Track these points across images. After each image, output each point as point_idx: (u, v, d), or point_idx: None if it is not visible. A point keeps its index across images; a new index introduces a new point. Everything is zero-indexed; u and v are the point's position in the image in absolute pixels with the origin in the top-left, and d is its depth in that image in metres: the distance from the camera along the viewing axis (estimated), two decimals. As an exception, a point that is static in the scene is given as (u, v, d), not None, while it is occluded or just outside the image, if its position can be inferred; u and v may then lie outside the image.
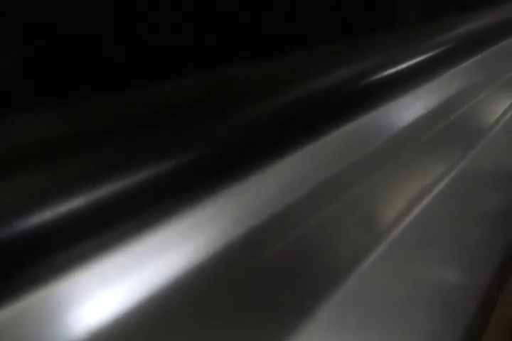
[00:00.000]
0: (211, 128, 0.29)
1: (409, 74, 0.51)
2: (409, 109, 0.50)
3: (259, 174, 0.31)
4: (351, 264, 0.34)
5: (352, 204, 0.39)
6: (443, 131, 0.54)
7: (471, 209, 0.56)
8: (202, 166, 0.28)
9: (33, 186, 0.21)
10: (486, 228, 0.60)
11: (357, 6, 0.47)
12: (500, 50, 0.77)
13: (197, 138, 0.28)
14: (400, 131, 0.48)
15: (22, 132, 0.22)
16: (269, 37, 0.37)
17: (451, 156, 0.52)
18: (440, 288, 0.46)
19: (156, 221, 0.25)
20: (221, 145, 0.30)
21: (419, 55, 0.55)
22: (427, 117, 0.52)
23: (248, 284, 0.29)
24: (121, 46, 0.26)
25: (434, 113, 0.54)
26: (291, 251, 0.32)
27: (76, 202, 0.22)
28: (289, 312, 0.29)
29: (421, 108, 0.52)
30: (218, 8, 0.31)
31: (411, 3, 0.58)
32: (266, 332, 0.27)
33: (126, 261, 0.24)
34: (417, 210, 0.43)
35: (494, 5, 0.82)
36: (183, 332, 0.24)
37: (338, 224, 0.37)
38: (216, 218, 0.29)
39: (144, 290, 0.24)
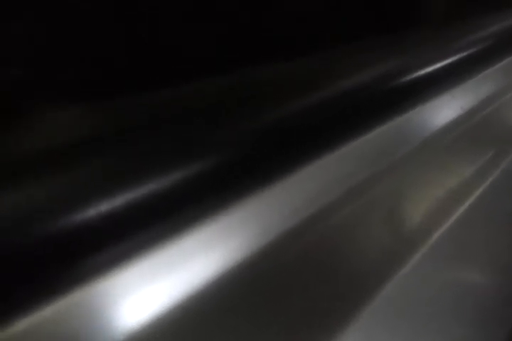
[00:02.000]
0: (237, 133, 0.29)
1: (443, 74, 0.50)
2: (445, 109, 0.49)
3: (286, 180, 0.31)
4: (384, 272, 0.33)
5: (384, 210, 0.39)
6: (479, 131, 0.53)
7: (507, 215, 0.55)
8: (229, 171, 0.28)
9: (77, 185, 0.21)
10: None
11: (390, 4, 0.46)
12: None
13: (221, 145, 0.28)
14: (435, 131, 0.47)
15: (52, 135, 0.22)
16: (291, 37, 0.36)
17: (487, 158, 0.51)
18: (476, 296, 0.45)
19: (190, 224, 0.25)
20: (251, 149, 0.30)
21: (452, 55, 0.54)
22: (462, 117, 0.51)
23: (279, 289, 0.28)
24: (131, 50, 0.26)
25: (470, 113, 0.53)
26: (321, 258, 0.32)
27: (116, 202, 0.22)
28: (320, 320, 0.28)
29: (457, 108, 0.51)
30: (229, 12, 0.31)
31: (446, 1, 0.57)
32: (296, 338, 0.27)
33: (163, 263, 0.24)
34: (452, 215, 0.42)
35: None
36: (218, 333, 0.25)
37: (370, 232, 0.37)
38: (245, 223, 0.29)
39: (180, 291, 0.24)
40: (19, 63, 0.22)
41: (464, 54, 0.54)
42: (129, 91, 0.26)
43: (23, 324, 0.18)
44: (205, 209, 0.26)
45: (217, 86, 0.30)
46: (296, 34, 0.37)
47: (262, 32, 0.34)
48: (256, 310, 0.27)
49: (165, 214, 0.24)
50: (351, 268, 0.33)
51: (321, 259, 0.32)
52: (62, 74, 0.23)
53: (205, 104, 0.28)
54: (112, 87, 0.25)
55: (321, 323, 0.28)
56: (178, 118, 0.27)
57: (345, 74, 0.39)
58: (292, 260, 0.30)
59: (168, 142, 0.25)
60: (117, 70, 0.26)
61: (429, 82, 0.47)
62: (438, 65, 0.49)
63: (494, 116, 0.58)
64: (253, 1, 0.33)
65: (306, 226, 0.31)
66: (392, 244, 0.37)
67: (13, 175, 0.19)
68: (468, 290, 0.44)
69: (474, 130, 0.52)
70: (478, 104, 0.54)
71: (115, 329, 0.21)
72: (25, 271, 0.19)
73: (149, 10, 0.27)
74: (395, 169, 0.40)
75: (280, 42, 0.35)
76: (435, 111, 0.47)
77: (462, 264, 0.44)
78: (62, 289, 0.20)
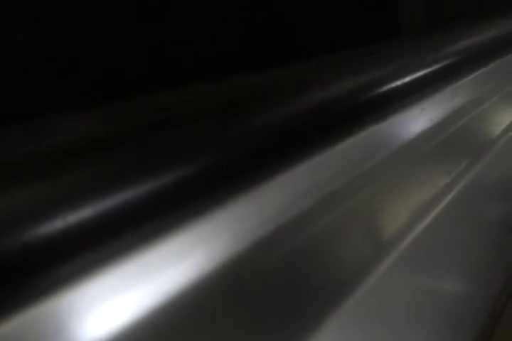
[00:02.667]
0: (219, 138, 0.30)
1: (415, 86, 0.52)
2: (415, 121, 0.50)
3: (263, 186, 0.31)
4: (358, 277, 0.33)
5: (358, 217, 0.39)
6: (449, 143, 0.54)
7: (478, 222, 0.56)
8: (206, 177, 0.28)
9: (40, 196, 0.21)
10: (493, 241, 0.59)
11: (363, 17, 0.47)
12: (507, 61, 0.78)
13: (202, 148, 0.28)
14: (405, 143, 0.48)
15: (30, 142, 0.22)
16: (274, 47, 0.37)
17: (457, 168, 0.52)
18: (447, 302, 0.45)
19: (163, 232, 0.25)
20: (227, 155, 0.30)
21: (424, 67, 0.55)
22: (432, 129, 0.52)
23: (254, 296, 0.28)
24: (130, 52, 0.26)
25: (440, 125, 0.54)
26: (296, 262, 0.32)
27: (84, 212, 0.22)
28: (295, 323, 0.29)
29: (427, 120, 0.52)
30: (224, 16, 0.31)
31: (417, 15, 0.58)
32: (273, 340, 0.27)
33: (133, 273, 0.24)
34: (423, 223, 0.42)
35: (502, 17, 0.82)
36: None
37: (344, 237, 0.37)
38: (222, 229, 0.29)
39: (151, 301, 0.24)
40: (16, 65, 0.22)
41: (434, 67, 0.56)
42: (125, 94, 0.26)
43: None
44: (180, 217, 0.26)
45: (209, 91, 0.30)
46: (280, 43, 0.37)
47: (248, 39, 0.34)
48: (231, 316, 0.27)
49: (135, 223, 0.24)
50: (326, 273, 0.33)
51: (297, 265, 0.32)
52: (57, 77, 0.23)
53: (189, 109, 0.29)
54: (109, 90, 0.25)
55: (296, 326, 0.28)
56: (161, 125, 0.27)
57: (318, 85, 0.40)
58: (268, 266, 0.30)
59: (139, 150, 0.25)
60: (116, 72, 0.26)
61: (400, 94, 0.48)
62: (408, 78, 0.50)
63: (465, 129, 0.59)
64: (253, 8, 0.33)
65: (281, 234, 0.32)
66: (365, 251, 0.38)
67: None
68: (439, 296, 0.44)
69: (445, 142, 0.53)
70: (449, 116, 0.56)
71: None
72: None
73: (153, 11, 0.27)
74: (366, 179, 0.41)
75: (264, 51, 0.35)
76: (405, 124, 0.49)
77: (434, 271, 0.44)
78: (28, 301, 0.19)
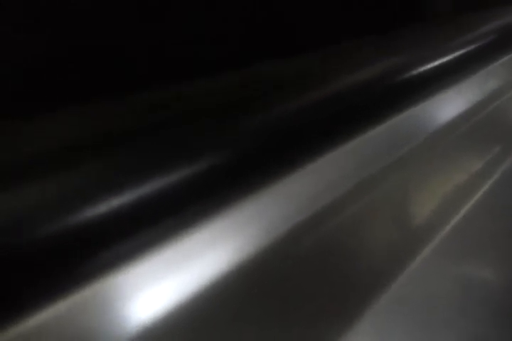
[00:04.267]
0: (241, 129, 0.29)
1: (449, 69, 0.50)
2: (449, 104, 0.49)
3: (292, 177, 0.31)
4: (393, 268, 0.33)
5: (391, 205, 0.39)
6: (485, 127, 0.53)
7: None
8: (229, 171, 0.28)
9: (86, 181, 0.21)
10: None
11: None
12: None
13: (226, 142, 0.28)
14: (440, 127, 0.47)
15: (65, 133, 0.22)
16: (299, 31, 0.36)
17: (493, 154, 0.51)
18: (485, 291, 0.44)
19: (200, 219, 0.25)
20: (255, 144, 0.30)
21: (458, 49, 0.53)
22: (467, 113, 0.51)
23: (288, 286, 0.28)
24: (130, 52, 0.26)
25: (475, 109, 0.52)
26: (329, 252, 0.32)
27: (127, 199, 0.22)
28: (333, 316, 0.28)
29: (462, 104, 0.50)
30: (224, 16, 0.31)
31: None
32: (310, 336, 0.27)
33: (174, 258, 0.24)
34: (459, 212, 0.42)
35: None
36: (226, 329, 0.25)
37: (378, 228, 0.37)
38: (251, 220, 0.29)
39: (189, 287, 0.24)
40: (15, 65, 0.22)
41: (470, 49, 0.54)
42: (128, 90, 0.26)
43: (36, 319, 0.19)
44: (215, 204, 0.26)
45: (218, 85, 0.30)
46: (298, 31, 0.37)
47: (260, 31, 0.34)
48: (266, 306, 0.27)
49: (173, 211, 0.24)
50: (360, 263, 0.33)
51: (330, 255, 0.32)
52: (59, 74, 0.23)
53: (200, 104, 0.29)
54: (109, 90, 0.26)
55: (332, 318, 0.28)
56: (173, 119, 0.27)
57: (353, 70, 0.39)
58: (300, 257, 0.30)
59: (172, 141, 0.25)
60: (116, 72, 0.26)
61: (435, 77, 0.47)
62: (444, 60, 0.49)
63: (500, 112, 0.57)
64: (252, 2, 0.33)
65: (313, 223, 0.31)
66: (400, 240, 0.37)
67: (24, 171, 0.20)
68: (477, 285, 0.44)
69: (480, 125, 0.52)
70: (484, 99, 0.54)
71: (126, 325, 0.22)
72: (37, 267, 0.19)
73: (153, 11, 0.27)
74: (401, 165, 0.40)
75: (278, 41, 0.35)
76: (441, 107, 0.47)
77: (470, 260, 0.44)
78: (74, 285, 0.20)
